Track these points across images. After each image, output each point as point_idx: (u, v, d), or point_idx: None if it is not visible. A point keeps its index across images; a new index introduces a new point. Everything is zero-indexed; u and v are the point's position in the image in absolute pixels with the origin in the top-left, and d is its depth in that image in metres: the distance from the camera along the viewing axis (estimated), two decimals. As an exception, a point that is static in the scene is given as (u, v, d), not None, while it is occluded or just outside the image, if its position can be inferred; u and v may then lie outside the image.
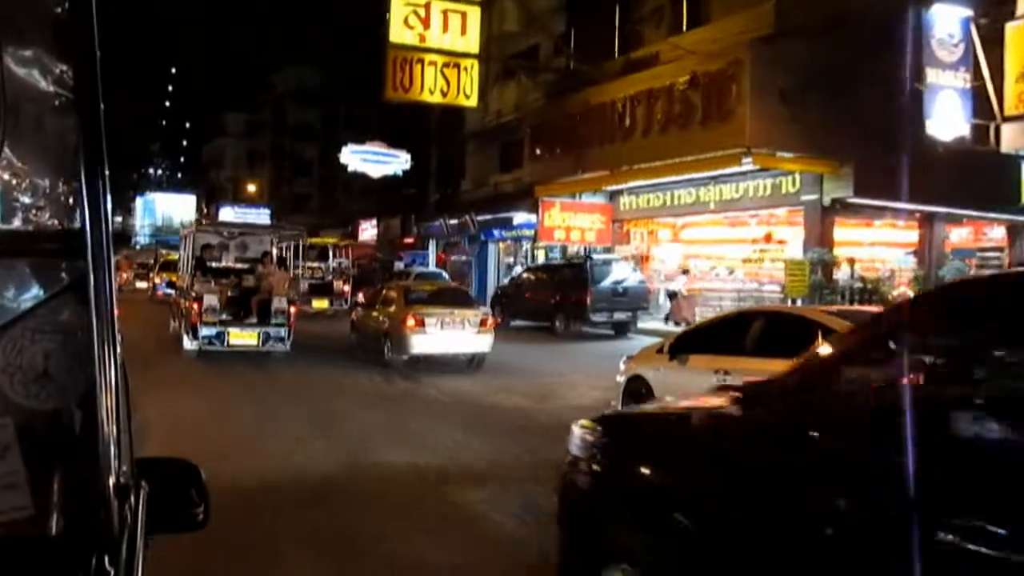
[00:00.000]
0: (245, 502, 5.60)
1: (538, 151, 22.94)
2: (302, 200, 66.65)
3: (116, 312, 1.21)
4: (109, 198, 1.17)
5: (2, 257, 1.14)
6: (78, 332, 1.14)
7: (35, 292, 1.14)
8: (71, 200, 1.14)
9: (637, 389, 8.84)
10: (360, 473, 7.28)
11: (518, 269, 25.99)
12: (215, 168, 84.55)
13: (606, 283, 18.89)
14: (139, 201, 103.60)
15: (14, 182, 1.12)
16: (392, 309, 14.77)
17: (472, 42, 20.61)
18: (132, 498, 1.31)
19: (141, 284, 36.30)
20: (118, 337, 1.22)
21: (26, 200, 1.14)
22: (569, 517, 3.96)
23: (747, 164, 16.38)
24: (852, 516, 2.44)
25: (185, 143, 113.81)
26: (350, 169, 30.81)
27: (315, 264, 29.46)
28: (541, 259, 27.65)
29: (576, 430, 3.94)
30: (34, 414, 1.12)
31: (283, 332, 15.01)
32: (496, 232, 28.05)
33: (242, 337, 14.95)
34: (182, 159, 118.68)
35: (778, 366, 3.44)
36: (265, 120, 75.01)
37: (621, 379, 9.26)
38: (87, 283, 1.13)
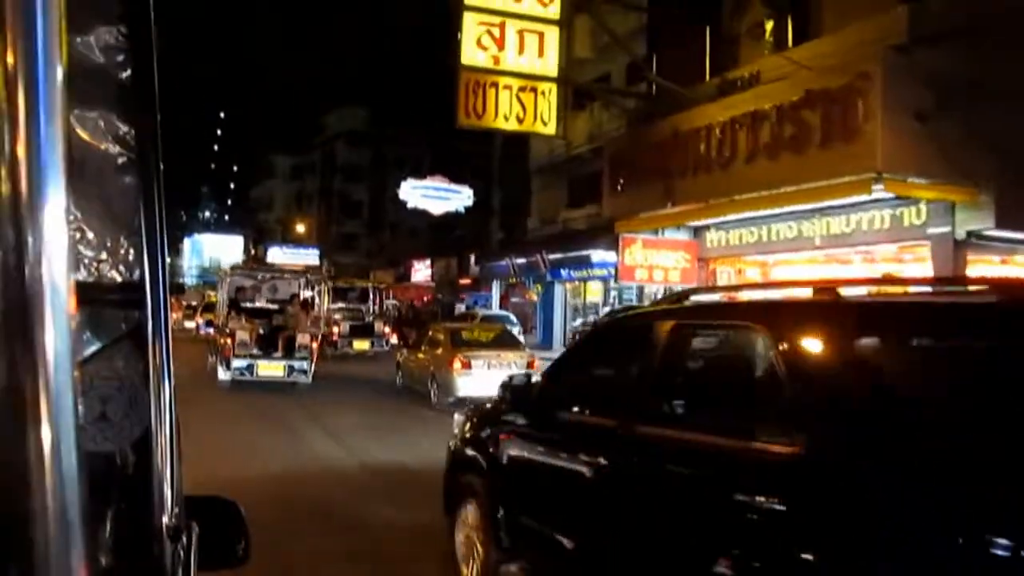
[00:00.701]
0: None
1: (619, 185, 21.07)
2: (350, 240, 65.59)
3: (171, 359, 1.25)
4: (167, 252, 1.24)
5: None
6: (134, 378, 1.18)
7: (95, 340, 1.15)
8: (131, 254, 1.19)
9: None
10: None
11: (605, 309, 23.86)
12: (264, 210, 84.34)
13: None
14: (187, 242, 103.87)
15: (78, 236, 1.12)
16: (439, 351, 15.13)
17: (550, 64, 18.93)
18: (184, 538, 1.34)
19: (189, 324, 38.76)
20: (172, 383, 1.26)
21: (89, 253, 1.16)
22: (447, 472, 6.02)
23: (878, 191, 14.32)
24: (571, 453, 4.54)
25: (233, 185, 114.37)
26: (410, 206, 29.20)
27: (354, 306, 30.68)
28: (606, 302, 25.72)
29: (456, 417, 6.48)
30: (91, 457, 1.06)
31: (306, 365, 16.94)
32: (564, 272, 26.18)
33: (269, 369, 16.87)
34: (230, 201, 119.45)
35: None
36: (314, 162, 74.58)
37: None
38: (144, 332, 1.18)
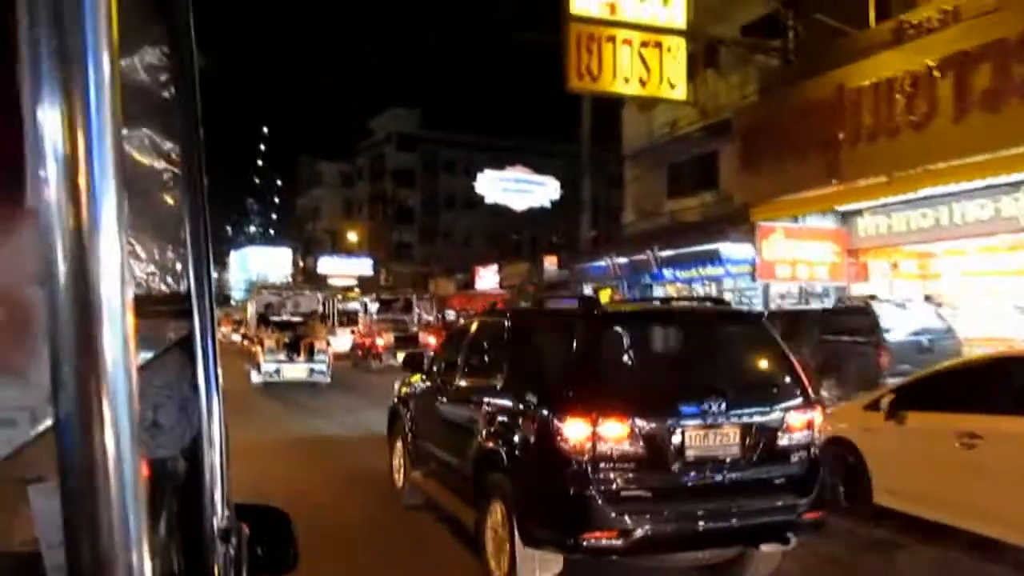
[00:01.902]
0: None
1: (750, 163, 17.40)
2: (404, 248, 62.46)
3: (219, 368, 1.29)
4: (212, 263, 1.28)
5: None
6: (184, 386, 1.23)
7: (146, 350, 1.18)
8: (178, 266, 1.26)
9: (840, 455, 7.34)
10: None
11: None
12: (311, 219, 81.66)
13: (902, 334, 13.02)
14: (233, 256, 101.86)
15: (128, 250, 1.05)
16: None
17: (677, 14, 15.47)
18: (234, 539, 1.37)
19: (235, 336, 41.31)
20: (220, 390, 1.30)
21: (139, 267, 1.21)
22: (388, 420, 9.02)
23: None
24: (435, 398, 7.46)
25: (279, 198, 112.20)
26: (488, 200, 25.63)
27: (398, 317, 31.39)
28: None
29: (396, 384, 9.14)
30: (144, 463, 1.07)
31: (324, 367, 19.63)
32: (669, 272, 22.47)
33: (294, 371, 19.48)
34: (275, 215, 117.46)
35: None
36: (362, 167, 71.71)
37: None
38: (193, 341, 1.24)
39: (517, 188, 26.26)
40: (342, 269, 59.45)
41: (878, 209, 17.30)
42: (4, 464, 1.02)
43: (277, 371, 19.41)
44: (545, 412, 5.23)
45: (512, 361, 6.25)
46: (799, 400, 5.54)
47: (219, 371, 1.28)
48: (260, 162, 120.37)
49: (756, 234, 17.38)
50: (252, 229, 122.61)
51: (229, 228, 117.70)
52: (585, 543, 4.92)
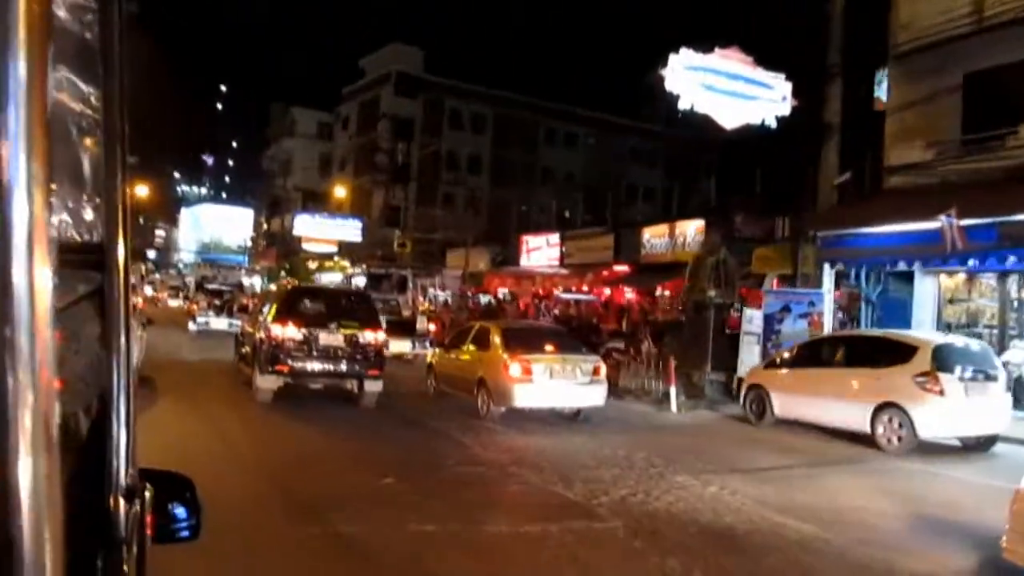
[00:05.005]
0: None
1: None
2: (393, 212, 51.80)
3: (131, 323, 1.25)
4: (129, 215, 1.23)
5: None
6: (93, 341, 1.18)
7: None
8: (92, 215, 1.20)
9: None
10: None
11: None
12: (280, 175, 70.30)
13: None
14: (185, 213, 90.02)
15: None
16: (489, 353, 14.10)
17: None
18: (138, 500, 1.35)
19: (172, 303, 41.68)
20: (131, 347, 1.25)
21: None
22: (234, 341, 18.37)
23: None
24: (245, 327, 17.54)
25: (241, 148, 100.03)
26: (682, 103, 15.12)
27: (390, 297, 29.05)
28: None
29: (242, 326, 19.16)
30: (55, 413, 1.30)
31: (239, 323, 22.44)
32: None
33: (218, 324, 27.60)
34: (225, 173, 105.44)
35: None
36: (348, 115, 60.75)
37: None
38: (103, 294, 1.18)
39: (728, 89, 15.80)
40: (323, 232, 48.78)
41: None
42: None
43: (207, 323, 27.92)
44: (269, 322, 13.16)
45: (267, 306, 14.27)
46: (374, 326, 13.79)
47: (131, 327, 1.23)
48: (218, 106, 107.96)
49: None
50: (202, 190, 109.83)
51: (180, 188, 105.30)
52: (277, 371, 12.85)
